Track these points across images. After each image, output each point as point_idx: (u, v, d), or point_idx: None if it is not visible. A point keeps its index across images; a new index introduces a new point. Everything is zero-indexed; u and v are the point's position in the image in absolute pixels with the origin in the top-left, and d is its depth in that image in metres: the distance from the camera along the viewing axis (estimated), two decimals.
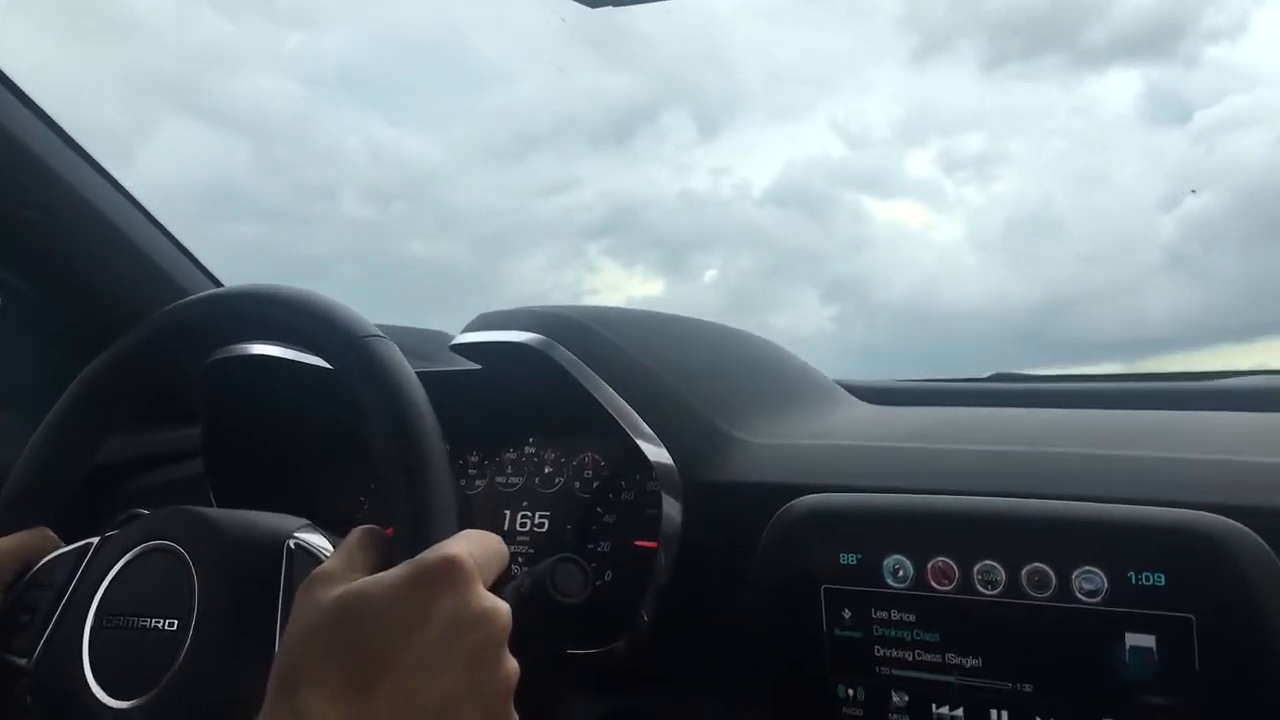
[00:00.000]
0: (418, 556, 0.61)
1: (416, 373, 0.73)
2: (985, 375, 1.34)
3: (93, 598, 0.78)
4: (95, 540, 0.82)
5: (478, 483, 1.09)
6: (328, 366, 0.74)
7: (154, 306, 0.83)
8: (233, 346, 1.08)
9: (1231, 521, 0.67)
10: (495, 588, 0.64)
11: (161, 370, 0.83)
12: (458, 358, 1.02)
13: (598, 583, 0.97)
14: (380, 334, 0.73)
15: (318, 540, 0.77)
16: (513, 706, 0.63)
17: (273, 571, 0.75)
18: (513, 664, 0.62)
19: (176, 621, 0.75)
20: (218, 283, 1.33)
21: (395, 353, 0.72)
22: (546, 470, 1.06)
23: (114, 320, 0.88)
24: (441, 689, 0.58)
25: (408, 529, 0.66)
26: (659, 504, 0.89)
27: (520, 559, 1.03)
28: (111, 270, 1.24)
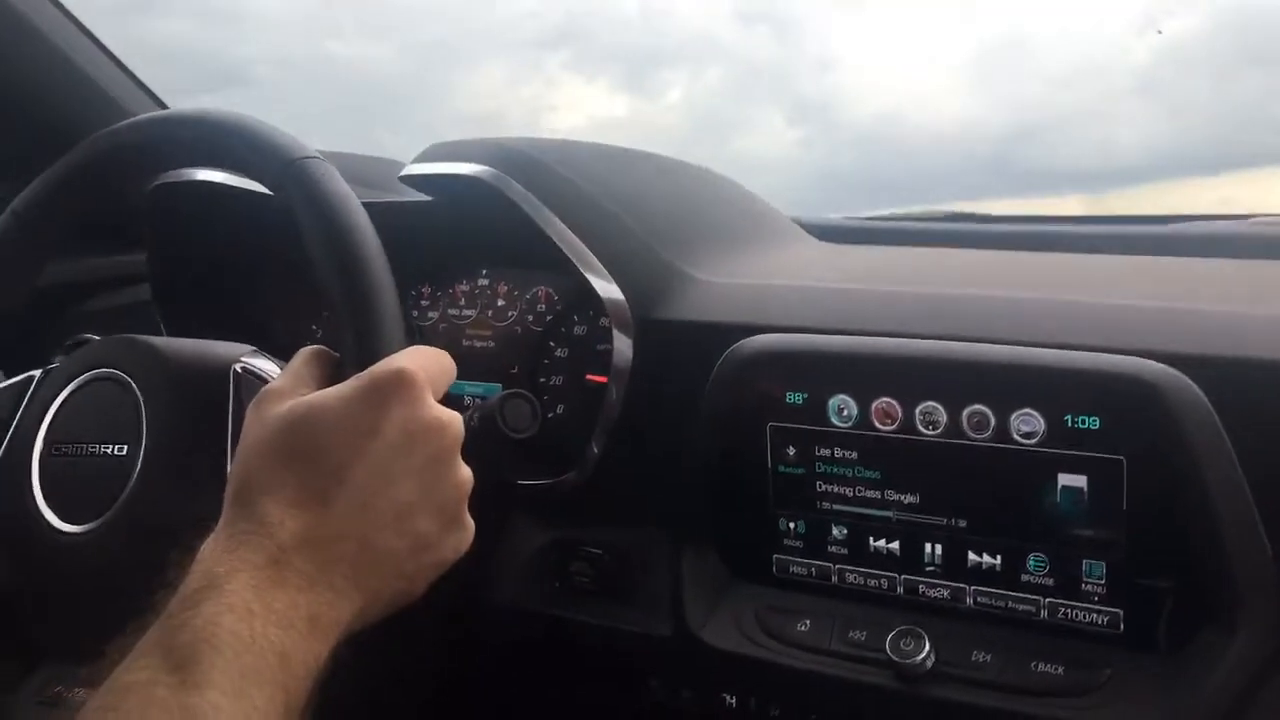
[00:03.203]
0: (366, 371, 0.61)
1: (365, 203, 0.71)
2: (942, 214, 1.34)
3: (39, 427, 0.78)
4: (38, 373, 0.82)
5: (430, 315, 1.09)
6: (270, 192, 0.73)
7: (94, 128, 0.80)
8: (176, 171, 1.05)
9: (1166, 367, 0.68)
10: (444, 403, 0.65)
11: (98, 196, 0.81)
12: (407, 188, 1.00)
13: (549, 415, 0.98)
14: (316, 154, 0.71)
15: (265, 364, 0.77)
16: (467, 512, 0.64)
17: (220, 396, 0.75)
18: (466, 472, 0.64)
19: (126, 447, 0.75)
20: (159, 102, 1.28)
21: (331, 173, 0.70)
22: (499, 303, 1.05)
23: (51, 143, 0.84)
24: (396, 498, 0.60)
25: (354, 346, 0.66)
26: (610, 340, 0.89)
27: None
28: (46, 89, 1.19)
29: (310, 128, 0.77)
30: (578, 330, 1.00)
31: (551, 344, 1.01)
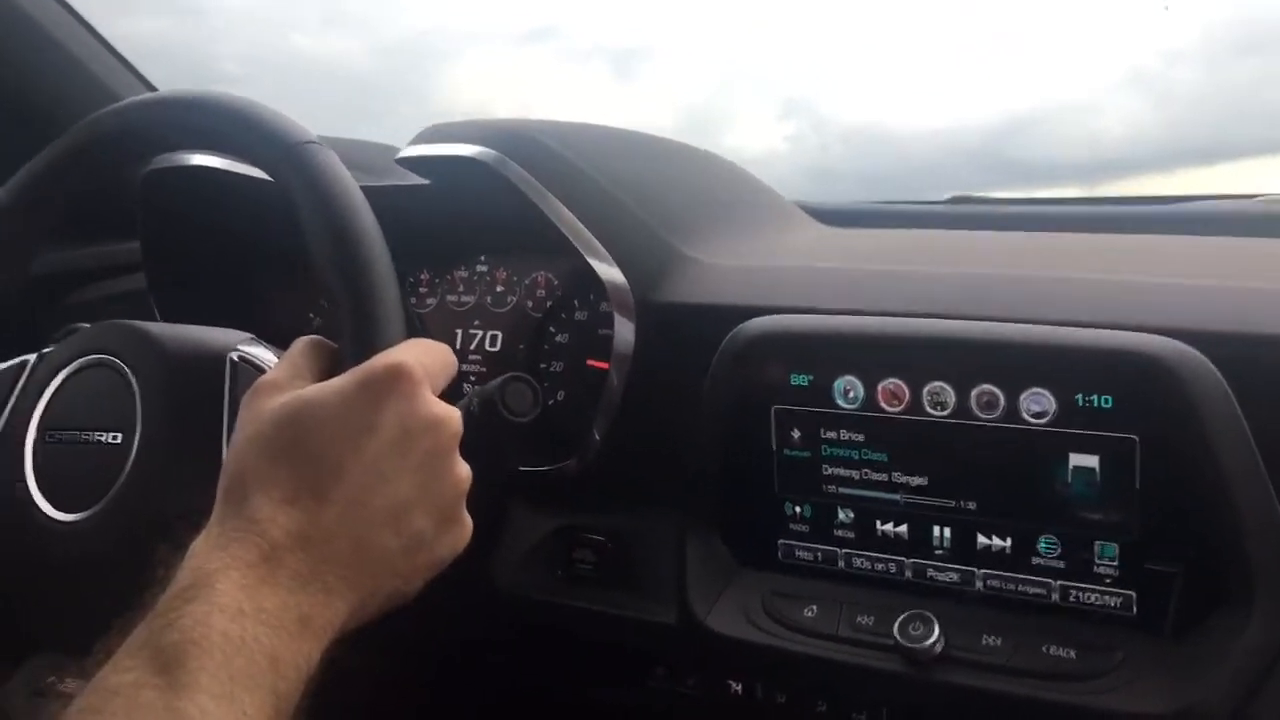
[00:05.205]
0: (364, 364, 0.60)
1: (361, 187, 0.70)
2: (944, 198, 1.33)
3: (33, 412, 0.77)
4: (32, 357, 0.81)
5: (429, 301, 1.07)
6: (268, 178, 0.71)
7: (84, 112, 0.79)
8: (169, 156, 1.04)
9: (1180, 344, 0.67)
10: (444, 398, 0.63)
11: (93, 179, 0.80)
12: (404, 173, 0.99)
13: (550, 402, 0.97)
14: (316, 140, 0.70)
15: (262, 353, 0.76)
16: (465, 510, 0.63)
17: (215, 384, 0.74)
18: (464, 469, 0.63)
19: (120, 435, 0.74)
20: (150, 86, 1.27)
21: (333, 159, 0.69)
22: (498, 289, 1.04)
23: (42, 126, 0.83)
24: (392, 495, 0.58)
25: (353, 338, 0.65)
26: (611, 324, 0.88)
27: (473, 378, 1.02)
28: (37, 72, 1.18)
29: None
30: (578, 315, 0.99)
31: (552, 329, 1.00)
